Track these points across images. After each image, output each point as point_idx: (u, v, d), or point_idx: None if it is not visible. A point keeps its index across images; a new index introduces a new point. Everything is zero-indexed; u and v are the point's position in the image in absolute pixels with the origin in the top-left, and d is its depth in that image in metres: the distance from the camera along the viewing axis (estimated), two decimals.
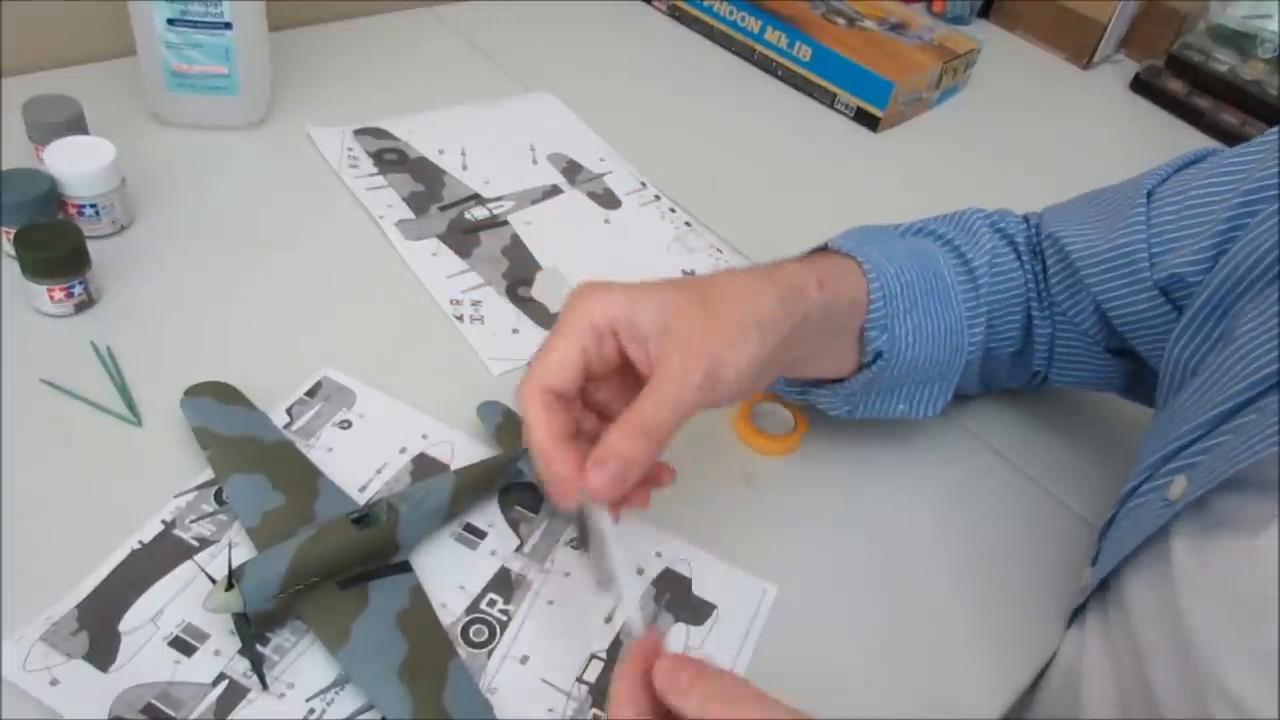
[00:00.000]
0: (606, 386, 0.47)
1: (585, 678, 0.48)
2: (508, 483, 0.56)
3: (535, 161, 0.82)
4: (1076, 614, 0.55)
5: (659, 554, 0.55)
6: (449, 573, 0.52)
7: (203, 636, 0.47)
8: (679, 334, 0.43)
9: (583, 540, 0.43)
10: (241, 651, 0.46)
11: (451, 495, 0.52)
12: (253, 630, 0.46)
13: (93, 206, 0.64)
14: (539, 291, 0.70)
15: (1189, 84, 1.10)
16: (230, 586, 0.45)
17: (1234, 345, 0.47)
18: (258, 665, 0.46)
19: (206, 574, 0.48)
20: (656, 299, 0.44)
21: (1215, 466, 0.43)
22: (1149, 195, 0.57)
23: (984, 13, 1.23)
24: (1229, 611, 0.42)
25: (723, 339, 0.44)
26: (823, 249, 0.56)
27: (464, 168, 0.79)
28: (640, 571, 0.54)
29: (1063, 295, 0.60)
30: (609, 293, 0.44)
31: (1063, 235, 0.59)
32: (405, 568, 0.51)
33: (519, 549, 0.53)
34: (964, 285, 0.58)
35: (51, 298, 0.59)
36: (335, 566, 0.48)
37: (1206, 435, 0.46)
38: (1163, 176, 0.58)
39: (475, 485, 0.54)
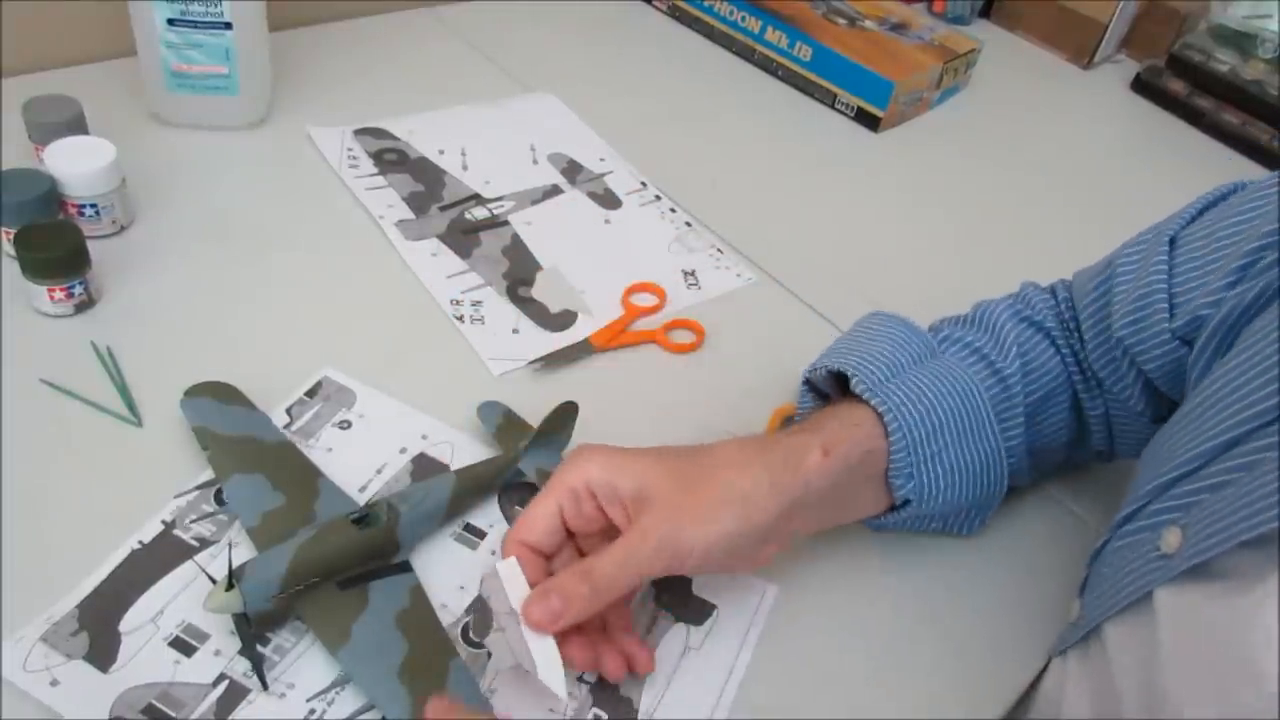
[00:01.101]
0: (597, 545, 0.48)
1: (585, 678, 0.48)
2: (508, 483, 0.56)
3: (535, 161, 0.82)
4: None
5: None
6: (449, 573, 0.52)
7: (203, 637, 0.47)
8: (652, 501, 0.46)
9: (481, 630, 0.46)
10: (242, 652, 0.46)
11: (451, 496, 0.52)
12: (253, 630, 0.46)
13: (93, 206, 0.64)
14: (539, 292, 0.70)
15: (1190, 84, 1.10)
16: (230, 586, 0.45)
17: (1222, 378, 0.45)
18: (258, 666, 0.46)
19: (207, 574, 0.48)
20: (639, 467, 0.46)
21: (1216, 527, 0.41)
22: (1172, 242, 0.54)
23: (984, 13, 1.23)
24: (1204, 669, 0.40)
25: (693, 514, 0.45)
26: (843, 379, 0.54)
27: (464, 168, 0.79)
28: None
29: (1107, 372, 0.57)
30: (592, 460, 0.47)
31: (1107, 304, 0.56)
32: (405, 568, 0.51)
33: None
34: (999, 402, 0.56)
35: (51, 298, 0.59)
36: (335, 567, 0.48)
37: (1195, 473, 0.44)
38: (1187, 219, 0.55)
39: (475, 486, 0.54)
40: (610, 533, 0.47)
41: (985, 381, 0.56)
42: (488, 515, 0.55)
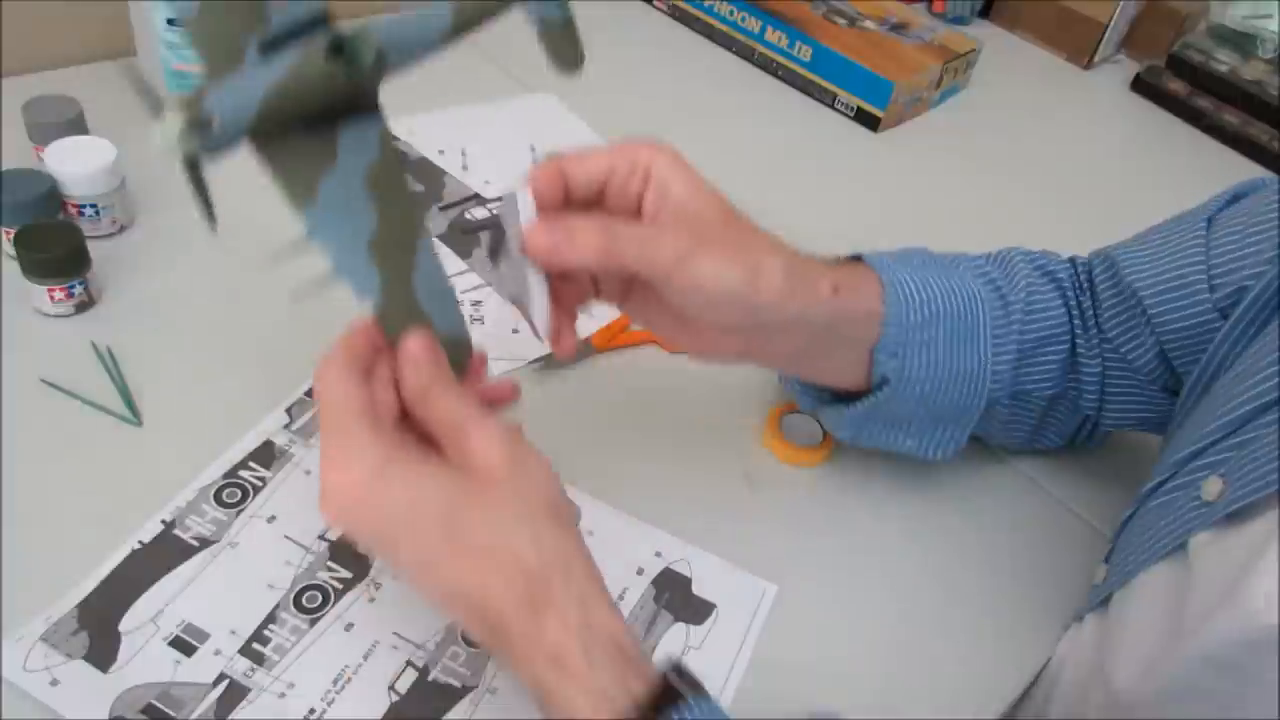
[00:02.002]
0: (611, 280, 0.50)
1: None
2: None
3: (535, 161, 0.82)
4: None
5: (659, 554, 0.55)
6: None
7: (203, 636, 0.47)
8: (689, 215, 0.46)
9: (494, 254, 0.47)
10: (194, 191, 0.43)
11: (450, 30, 0.46)
12: (201, 172, 0.42)
13: (93, 206, 0.64)
14: None
15: (1189, 84, 1.10)
16: (194, 124, 0.39)
17: (1267, 342, 0.46)
18: (208, 206, 0.43)
19: (154, 98, 0.41)
20: (697, 187, 0.47)
21: (1257, 471, 0.42)
22: (1209, 221, 0.55)
23: (984, 13, 1.23)
24: (1230, 598, 0.41)
25: (712, 250, 0.46)
26: (858, 259, 0.56)
27: (464, 168, 0.79)
28: (640, 572, 0.54)
29: (1118, 331, 0.57)
30: (667, 154, 0.47)
31: (1121, 260, 0.57)
32: (374, 108, 0.44)
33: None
34: (998, 322, 0.56)
35: (52, 298, 0.59)
36: (308, 111, 0.42)
37: (1237, 431, 0.45)
38: (1220, 205, 0.56)
39: (475, 16, 0.48)
40: (628, 282, 0.49)
41: (989, 299, 0.56)
42: None
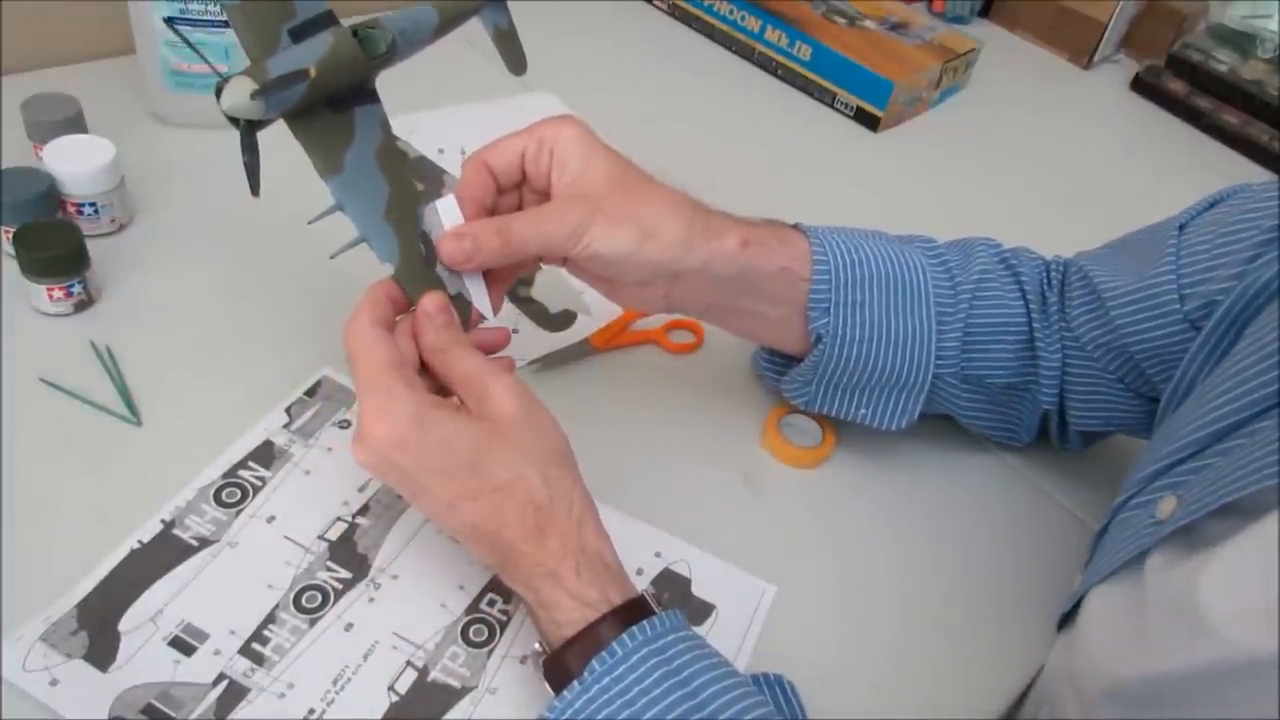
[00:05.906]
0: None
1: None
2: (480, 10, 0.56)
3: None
4: (1068, 618, 0.55)
5: (658, 554, 0.55)
6: (449, 573, 0.52)
7: (202, 636, 0.47)
8: (582, 187, 0.50)
9: (429, 262, 0.50)
10: (244, 157, 0.47)
11: (436, 28, 0.52)
12: (255, 137, 0.47)
13: (92, 205, 0.64)
14: (539, 291, 0.70)
15: (1189, 84, 1.10)
16: (257, 92, 0.44)
17: (1231, 364, 0.46)
18: (255, 172, 0.47)
19: (218, 72, 0.46)
20: (595, 158, 0.50)
21: (1205, 491, 0.43)
22: (1181, 228, 0.55)
23: (984, 12, 1.22)
24: (1173, 625, 0.42)
25: (607, 219, 0.49)
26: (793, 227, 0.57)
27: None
28: (640, 572, 0.54)
29: (1084, 329, 0.57)
30: (570, 129, 0.51)
31: (1091, 270, 0.57)
32: (375, 96, 0.51)
33: None
34: (944, 300, 0.57)
35: (51, 297, 0.59)
36: (339, 90, 0.48)
37: (1197, 454, 0.45)
38: (1196, 211, 0.56)
39: (452, 19, 0.54)
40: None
41: (935, 274, 0.57)
42: None
